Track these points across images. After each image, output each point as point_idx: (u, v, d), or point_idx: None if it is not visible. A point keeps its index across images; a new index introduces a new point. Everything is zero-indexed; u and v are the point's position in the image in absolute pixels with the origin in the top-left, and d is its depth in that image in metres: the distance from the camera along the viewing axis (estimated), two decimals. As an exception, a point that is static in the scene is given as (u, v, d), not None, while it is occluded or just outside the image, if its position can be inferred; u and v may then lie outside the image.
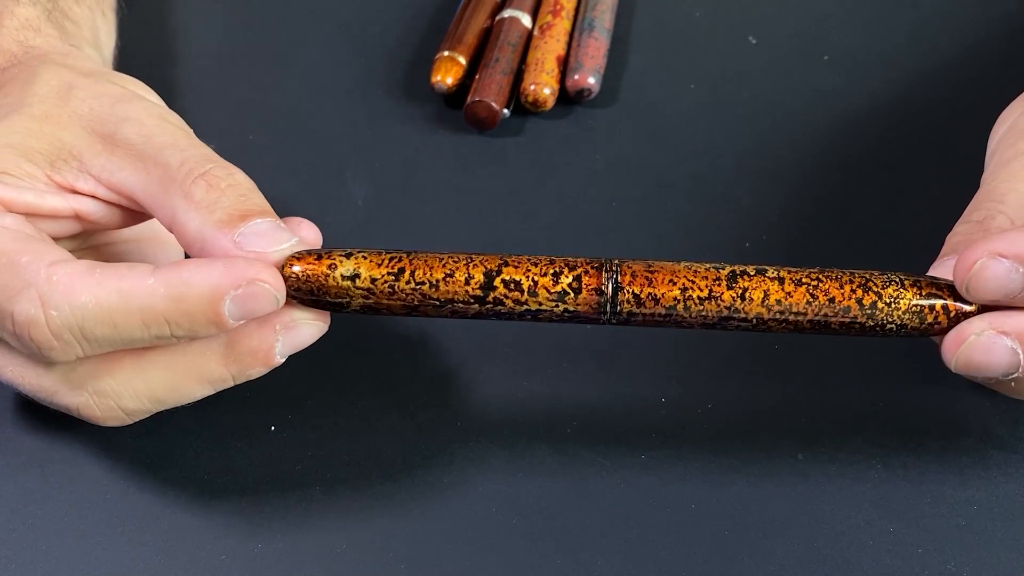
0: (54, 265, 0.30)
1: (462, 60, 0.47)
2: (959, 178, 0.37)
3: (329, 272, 0.31)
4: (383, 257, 0.31)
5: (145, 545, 0.33)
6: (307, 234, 0.33)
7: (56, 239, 0.33)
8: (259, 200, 0.32)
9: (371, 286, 0.31)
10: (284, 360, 0.32)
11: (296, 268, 0.31)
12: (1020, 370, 0.31)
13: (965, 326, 0.31)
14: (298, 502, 0.34)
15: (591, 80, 0.46)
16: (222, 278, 0.29)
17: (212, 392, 0.33)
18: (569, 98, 0.47)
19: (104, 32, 0.42)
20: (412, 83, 0.48)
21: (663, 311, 0.31)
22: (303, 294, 0.31)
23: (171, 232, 0.32)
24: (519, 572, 0.33)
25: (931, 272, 0.33)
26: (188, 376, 0.32)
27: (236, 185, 0.31)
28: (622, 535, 0.34)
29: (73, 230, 0.33)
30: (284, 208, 0.33)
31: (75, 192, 0.33)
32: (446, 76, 0.46)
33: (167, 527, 0.34)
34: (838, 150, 0.46)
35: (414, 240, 0.42)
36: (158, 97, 0.35)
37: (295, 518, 0.34)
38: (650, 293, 0.31)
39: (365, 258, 0.31)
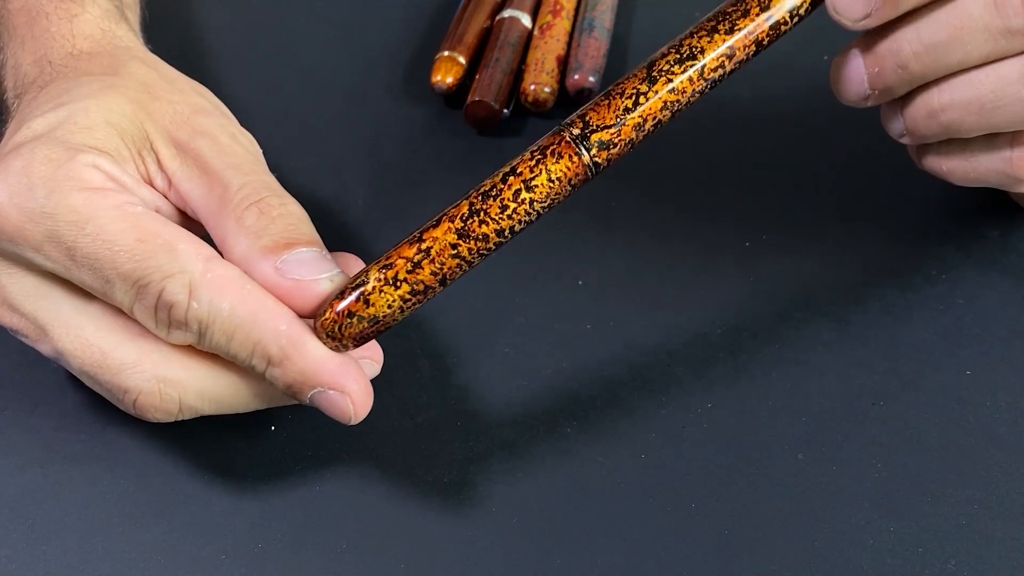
0: (210, 260, 0.31)
1: (462, 60, 0.47)
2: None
3: (368, 308, 0.31)
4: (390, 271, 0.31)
5: (145, 545, 0.34)
6: (353, 268, 0.33)
7: None
8: (308, 230, 0.32)
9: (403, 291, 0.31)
10: None
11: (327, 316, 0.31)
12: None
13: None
14: (298, 502, 0.35)
15: (591, 80, 0.46)
16: (328, 373, 0.31)
17: (263, 407, 0.34)
18: (569, 98, 0.47)
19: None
20: (412, 83, 0.48)
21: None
22: (354, 338, 0.32)
23: (220, 251, 0.32)
24: (519, 572, 0.33)
25: None
26: (254, 389, 0.33)
27: (287, 215, 0.32)
28: (622, 535, 0.34)
29: None
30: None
31: (152, 186, 0.33)
32: (446, 76, 0.46)
33: (167, 527, 0.34)
34: (838, 150, 0.46)
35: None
36: (229, 111, 0.36)
37: (295, 518, 0.34)
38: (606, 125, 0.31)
39: (381, 280, 0.31)
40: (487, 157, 0.45)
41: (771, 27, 0.32)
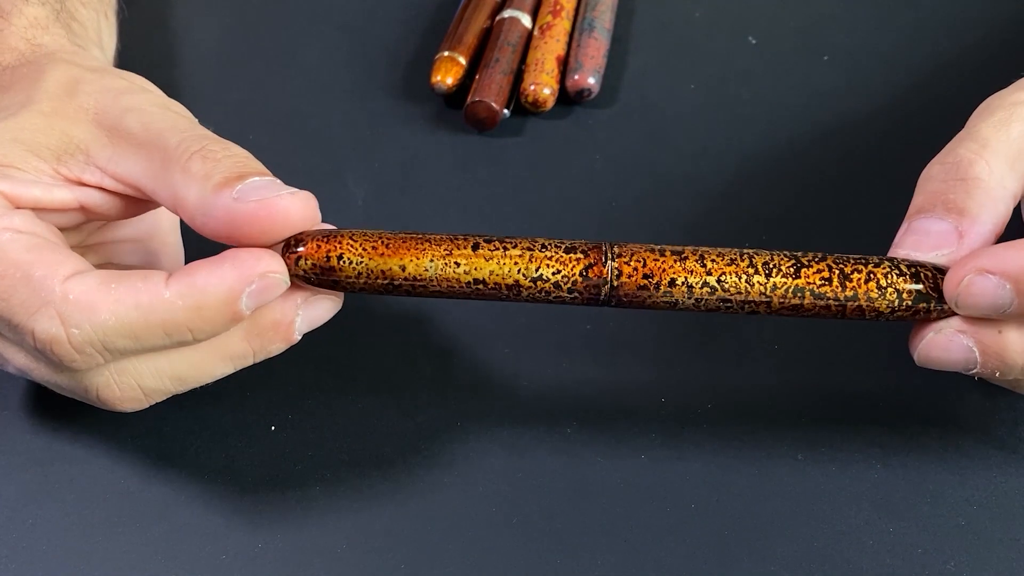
0: (69, 280, 0.30)
1: (462, 60, 0.47)
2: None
3: (331, 254, 0.31)
4: (382, 240, 0.31)
5: (145, 545, 0.34)
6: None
7: (62, 230, 0.33)
8: (256, 165, 0.32)
9: (371, 271, 0.31)
10: (301, 336, 0.33)
11: (300, 249, 0.31)
12: (978, 367, 0.31)
13: (926, 324, 0.32)
14: (298, 502, 0.34)
15: (591, 80, 0.46)
16: (236, 279, 0.30)
17: (232, 370, 0.33)
18: (569, 98, 0.47)
19: (107, 34, 0.43)
20: (412, 83, 0.48)
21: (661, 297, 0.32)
22: (308, 275, 0.31)
23: (175, 213, 0.32)
24: (519, 572, 0.33)
25: (902, 230, 0.33)
26: (211, 353, 0.32)
27: (232, 155, 0.32)
28: (622, 535, 0.34)
29: (78, 221, 0.34)
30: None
31: (81, 184, 0.33)
32: (446, 76, 0.46)
33: (167, 527, 0.34)
34: (838, 150, 0.46)
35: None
36: (160, 91, 0.36)
37: (295, 518, 0.34)
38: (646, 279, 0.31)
39: (367, 241, 0.31)
40: (487, 157, 0.46)
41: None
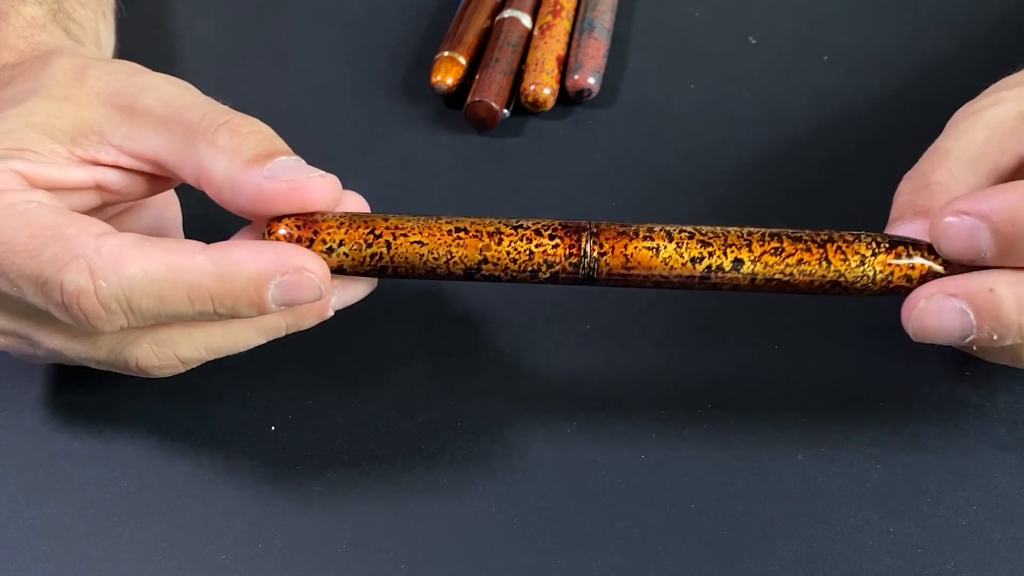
0: (102, 236, 0.30)
1: (462, 60, 0.47)
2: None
3: (312, 240, 0.31)
4: (364, 230, 0.32)
5: (145, 545, 0.34)
6: (351, 200, 0.34)
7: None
8: (283, 145, 0.32)
9: (351, 257, 0.32)
10: (334, 313, 0.33)
11: (281, 231, 0.31)
12: (974, 331, 0.31)
13: (916, 292, 0.31)
14: (298, 502, 0.35)
15: (591, 80, 0.46)
16: (270, 262, 0.30)
17: (264, 341, 0.34)
18: (569, 98, 0.47)
19: (105, 34, 0.43)
20: (412, 83, 0.48)
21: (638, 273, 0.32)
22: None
23: (199, 186, 0.32)
24: (519, 572, 0.33)
25: None
26: (246, 324, 0.33)
27: (259, 131, 0.32)
28: (622, 535, 0.34)
29: (95, 202, 0.34)
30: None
31: (97, 163, 0.33)
32: (446, 76, 0.46)
33: (167, 527, 0.34)
34: (838, 150, 0.46)
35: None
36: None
37: (295, 518, 0.34)
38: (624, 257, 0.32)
39: (347, 229, 0.32)
40: (487, 157, 0.46)
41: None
